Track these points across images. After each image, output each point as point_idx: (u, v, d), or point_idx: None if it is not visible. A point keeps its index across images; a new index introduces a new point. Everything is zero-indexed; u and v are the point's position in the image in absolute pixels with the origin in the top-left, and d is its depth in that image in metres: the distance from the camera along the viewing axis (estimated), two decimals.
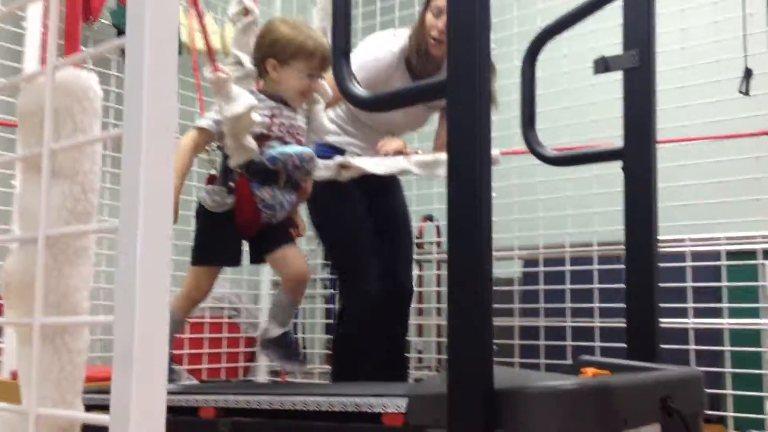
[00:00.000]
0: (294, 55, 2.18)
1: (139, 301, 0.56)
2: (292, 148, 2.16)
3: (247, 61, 2.11)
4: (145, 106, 0.55)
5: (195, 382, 2.20)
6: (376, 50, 2.57)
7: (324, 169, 2.27)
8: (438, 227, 4.14)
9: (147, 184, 0.56)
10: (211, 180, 2.21)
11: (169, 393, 1.99)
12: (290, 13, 3.95)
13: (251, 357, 3.86)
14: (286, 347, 2.26)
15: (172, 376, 2.24)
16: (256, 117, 2.03)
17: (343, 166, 2.28)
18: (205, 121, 2.14)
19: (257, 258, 2.32)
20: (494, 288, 3.50)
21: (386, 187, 2.78)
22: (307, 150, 2.20)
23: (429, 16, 2.54)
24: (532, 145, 2.12)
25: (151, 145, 0.56)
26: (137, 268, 0.56)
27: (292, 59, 2.18)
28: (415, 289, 4.14)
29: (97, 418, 0.58)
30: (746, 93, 2.27)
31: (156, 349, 0.57)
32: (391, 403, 1.50)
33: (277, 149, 2.14)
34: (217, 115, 2.10)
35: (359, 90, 1.48)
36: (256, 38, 2.26)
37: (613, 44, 2.14)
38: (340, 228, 2.60)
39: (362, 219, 2.63)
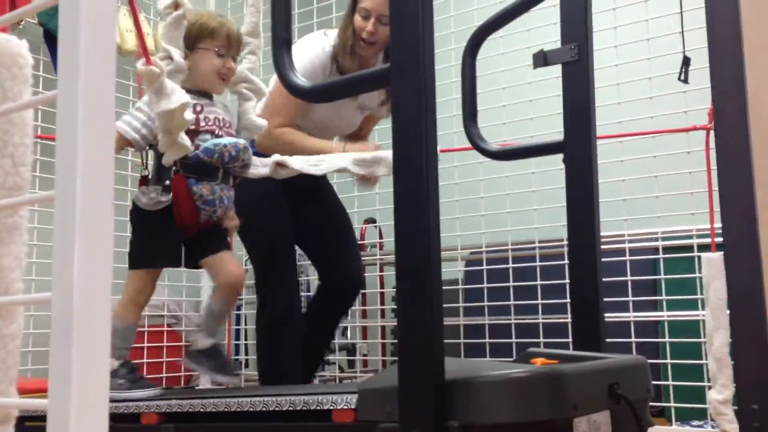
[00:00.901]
0: (198, 36, 2.17)
1: (78, 275, 0.52)
2: (227, 139, 2.14)
3: (177, 55, 2.07)
4: (82, 62, 0.52)
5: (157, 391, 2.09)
6: (310, 54, 2.53)
7: (261, 166, 2.24)
8: (380, 229, 4.12)
9: (85, 149, 0.53)
10: (143, 182, 2.15)
11: (150, 398, 1.91)
12: (224, 11, 3.89)
13: None
14: (215, 358, 2.18)
15: (150, 383, 2.14)
16: (189, 115, 1.99)
17: (279, 165, 2.24)
18: (122, 125, 2.09)
19: (193, 263, 2.24)
20: None
21: (318, 188, 2.77)
22: (242, 140, 2.17)
23: (357, 18, 2.54)
24: (475, 140, 2.12)
25: (88, 105, 0.52)
26: (75, 240, 0.52)
27: (197, 41, 2.17)
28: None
29: (33, 402, 0.53)
30: (685, 80, 2.33)
31: (98, 326, 0.53)
32: (341, 400, 1.47)
33: (211, 141, 2.11)
34: (137, 121, 2.07)
35: (299, 80, 1.46)
36: None
37: (548, 43, 2.17)
38: (262, 234, 2.56)
39: (285, 229, 2.62)
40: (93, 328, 0.52)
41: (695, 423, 2.78)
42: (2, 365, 0.62)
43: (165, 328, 3.67)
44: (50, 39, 2.91)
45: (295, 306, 2.62)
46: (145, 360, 3.50)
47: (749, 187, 1.20)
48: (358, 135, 2.84)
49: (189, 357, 2.22)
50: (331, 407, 1.48)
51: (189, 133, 2.07)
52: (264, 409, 1.58)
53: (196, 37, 2.16)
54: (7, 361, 0.63)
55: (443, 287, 3.63)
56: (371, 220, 4.10)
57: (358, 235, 4.14)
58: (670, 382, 2.85)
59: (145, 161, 2.17)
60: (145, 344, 3.53)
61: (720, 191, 1.27)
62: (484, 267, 3.29)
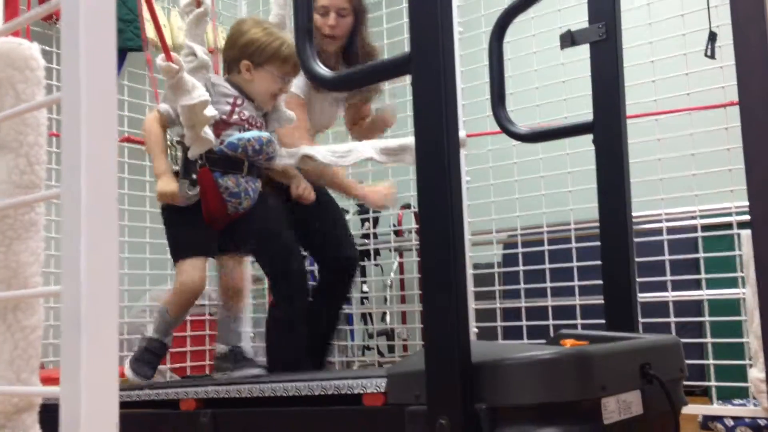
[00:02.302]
0: (269, 59, 2.22)
1: (85, 267, 0.54)
2: (251, 133, 2.17)
3: (201, 51, 2.10)
4: (83, 66, 0.54)
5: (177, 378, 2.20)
6: None
7: (287, 156, 2.26)
8: (416, 214, 4.13)
9: (89, 147, 0.55)
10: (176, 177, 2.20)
11: (150, 387, 1.99)
12: (256, 6, 3.92)
13: None
14: (236, 359, 2.26)
15: (150, 372, 2.22)
16: (210, 112, 2.02)
17: (308, 157, 2.27)
18: (163, 106, 2.16)
19: (216, 254, 2.32)
20: (475, 272, 3.50)
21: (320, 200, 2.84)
22: (266, 134, 2.20)
23: (316, 17, 2.61)
24: (503, 123, 2.12)
25: (91, 106, 0.55)
26: (81, 234, 0.55)
27: (268, 63, 2.22)
28: (397, 276, 4.16)
29: (48, 390, 0.56)
30: (711, 56, 2.29)
31: (105, 316, 0.56)
32: (371, 384, 1.49)
33: (235, 135, 2.15)
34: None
35: (323, 70, 1.47)
36: (227, 37, 2.29)
37: (579, 23, 2.15)
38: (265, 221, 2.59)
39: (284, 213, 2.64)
40: (101, 318, 0.55)
41: (737, 401, 2.75)
42: (24, 355, 0.65)
43: (207, 317, 3.74)
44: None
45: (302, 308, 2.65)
46: (188, 348, 3.58)
47: None
48: (360, 128, 2.89)
49: (215, 369, 2.29)
50: (361, 391, 1.50)
51: (219, 124, 2.11)
52: (296, 394, 1.61)
53: (267, 59, 2.22)
54: (29, 351, 0.66)
55: (480, 271, 3.63)
56: (407, 206, 4.11)
57: (394, 220, 4.16)
58: (711, 361, 2.82)
59: (174, 157, 2.22)
60: (188, 333, 3.61)
61: (746, 167, 1.26)
62: (519, 250, 3.28)
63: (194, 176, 2.11)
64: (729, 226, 2.87)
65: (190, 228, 2.17)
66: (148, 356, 2.20)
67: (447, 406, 1.31)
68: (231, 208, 2.16)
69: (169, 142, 2.20)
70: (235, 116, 2.18)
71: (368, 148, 2.12)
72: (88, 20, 0.55)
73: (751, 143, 1.26)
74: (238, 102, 2.19)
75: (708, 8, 2.37)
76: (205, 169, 2.11)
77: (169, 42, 3.37)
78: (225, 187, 2.13)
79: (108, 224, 0.56)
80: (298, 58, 2.20)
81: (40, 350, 0.67)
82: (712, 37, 2.28)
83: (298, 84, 2.53)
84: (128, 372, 2.13)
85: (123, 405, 0.60)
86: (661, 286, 2.94)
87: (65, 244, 0.55)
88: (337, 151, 2.19)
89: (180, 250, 2.21)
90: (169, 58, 1.88)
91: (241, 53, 2.22)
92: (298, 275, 2.60)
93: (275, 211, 2.52)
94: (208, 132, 2.04)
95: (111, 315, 0.56)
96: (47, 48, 3.13)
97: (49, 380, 2.19)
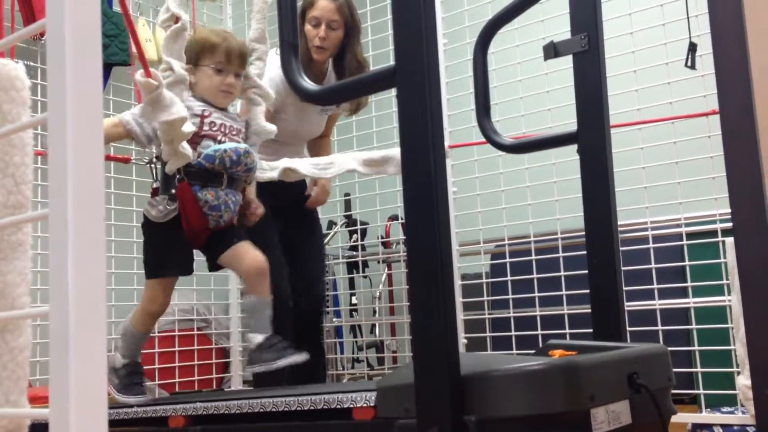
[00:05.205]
0: (199, 53, 2.22)
1: (73, 288, 0.54)
2: (227, 145, 2.15)
3: (178, 66, 2.09)
4: (69, 86, 0.54)
5: (166, 395, 2.17)
6: (270, 72, 2.54)
7: (269, 170, 2.26)
8: (404, 226, 4.13)
9: (76, 168, 0.55)
10: (155, 193, 2.19)
11: (138, 405, 1.98)
12: (241, 20, 3.93)
13: (224, 367, 3.82)
14: (270, 349, 2.14)
15: (142, 389, 2.20)
16: (188, 128, 2.01)
17: (289, 169, 2.26)
18: (127, 116, 2.12)
19: (214, 265, 2.27)
20: (463, 283, 3.50)
21: (297, 203, 2.90)
22: (243, 145, 2.19)
23: (308, 27, 2.74)
24: (488, 134, 2.13)
25: (77, 126, 0.55)
26: (69, 255, 0.55)
27: (199, 58, 2.22)
28: (385, 288, 4.16)
29: (37, 413, 0.56)
30: (692, 67, 2.31)
31: (94, 337, 0.55)
32: (361, 398, 1.49)
33: (212, 147, 2.13)
34: (140, 117, 2.09)
35: (308, 83, 1.48)
36: None
37: (563, 33, 2.17)
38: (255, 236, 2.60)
39: (274, 233, 2.72)
40: (89, 339, 0.55)
41: (725, 409, 2.76)
42: (12, 376, 0.65)
43: (195, 332, 3.72)
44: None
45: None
46: (177, 364, 3.56)
47: (757, 171, 1.20)
48: (322, 136, 3.02)
49: (249, 363, 2.20)
50: (351, 405, 1.50)
51: (192, 137, 2.09)
52: (286, 409, 1.60)
53: (197, 54, 2.21)
54: (17, 372, 0.65)
55: (468, 281, 3.63)
56: (395, 217, 4.12)
57: (382, 232, 4.16)
58: (699, 369, 2.83)
59: (155, 173, 2.21)
60: (177, 348, 3.59)
61: (728, 175, 1.27)
62: (507, 260, 3.28)
63: (173, 191, 2.10)
64: (714, 233, 2.89)
65: (167, 246, 2.16)
66: (134, 378, 2.19)
67: (436, 419, 1.31)
68: (212, 222, 2.14)
69: (149, 158, 2.20)
70: (205, 127, 2.16)
71: (350, 159, 2.12)
72: (74, 40, 0.55)
73: (732, 151, 1.28)
74: (206, 113, 2.18)
75: (688, 18, 2.40)
76: (184, 183, 2.09)
77: (154, 57, 3.38)
78: (204, 201, 2.10)
79: (95, 245, 0.56)
80: (231, 46, 2.21)
81: (29, 371, 0.67)
82: (692, 47, 2.30)
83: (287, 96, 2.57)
84: (124, 399, 2.11)
85: (111, 423, 0.60)
86: (648, 295, 2.96)
87: (53, 265, 0.55)
88: (319, 164, 2.19)
89: (151, 269, 2.21)
90: (148, 73, 1.87)
91: (186, 59, 2.21)
92: (282, 289, 2.62)
93: (265, 224, 2.53)
94: (185, 146, 2.03)
95: (99, 336, 0.55)
96: (32, 63, 3.12)
97: (37, 399, 2.18)
